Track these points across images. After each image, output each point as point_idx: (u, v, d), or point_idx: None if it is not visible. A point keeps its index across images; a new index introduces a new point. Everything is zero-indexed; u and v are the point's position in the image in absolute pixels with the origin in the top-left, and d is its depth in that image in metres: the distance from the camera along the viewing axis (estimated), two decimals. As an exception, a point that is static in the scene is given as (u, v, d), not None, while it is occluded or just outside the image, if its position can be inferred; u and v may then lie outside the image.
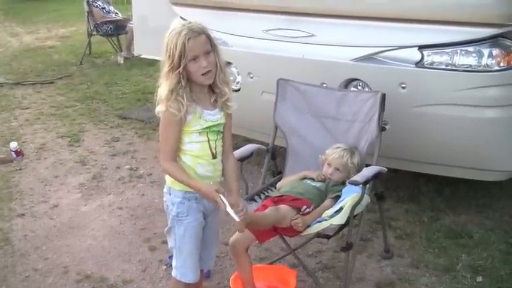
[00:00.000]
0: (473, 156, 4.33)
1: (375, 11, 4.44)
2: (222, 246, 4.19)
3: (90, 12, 11.41)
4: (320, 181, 3.86)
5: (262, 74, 4.97)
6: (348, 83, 4.55)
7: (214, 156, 3.06)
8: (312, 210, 3.60)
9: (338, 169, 3.87)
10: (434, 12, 4.20)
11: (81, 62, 11.15)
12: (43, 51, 12.57)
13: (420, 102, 4.26)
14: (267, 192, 4.03)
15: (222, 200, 2.90)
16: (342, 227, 3.54)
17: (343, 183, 3.80)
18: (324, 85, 4.49)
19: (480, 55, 4.09)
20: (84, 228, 4.83)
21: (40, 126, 7.44)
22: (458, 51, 4.14)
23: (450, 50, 4.16)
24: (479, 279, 3.94)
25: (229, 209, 2.90)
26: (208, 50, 2.92)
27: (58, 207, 5.20)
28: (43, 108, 8.30)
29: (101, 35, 11.67)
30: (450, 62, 4.17)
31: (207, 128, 3.00)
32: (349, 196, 3.54)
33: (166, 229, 3.22)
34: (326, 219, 3.48)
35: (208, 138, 3.03)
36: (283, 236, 3.73)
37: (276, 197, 3.72)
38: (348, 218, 3.46)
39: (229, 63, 5.12)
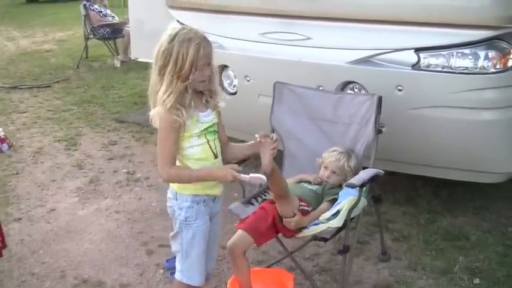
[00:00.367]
0: (470, 158, 4.33)
1: (371, 14, 4.44)
2: (220, 249, 4.19)
3: (86, 16, 11.42)
4: (317, 184, 3.86)
5: (259, 77, 4.97)
6: (345, 85, 4.55)
7: (216, 156, 3.09)
8: (311, 211, 3.60)
9: (335, 172, 3.88)
10: (430, 14, 4.20)
11: (78, 66, 11.15)
12: (40, 55, 12.57)
13: (417, 105, 4.26)
14: (264, 195, 4.01)
15: (241, 178, 2.94)
16: (339, 229, 3.54)
17: (340, 186, 3.80)
18: (321, 88, 4.49)
19: (476, 57, 4.09)
20: (82, 232, 4.82)
21: (37, 130, 7.43)
22: (455, 53, 4.15)
23: (446, 52, 4.17)
24: (477, 281, 3.94)
25: (252, 175, 2.95)
26: (210, 61, 2.95)
27: (55, 211, 5.20)
28: (40, 112, 8.30)
29: (97, 38, 11.68)
30: (446, 64, 4.17)
31: (204, 130, 3.02)
32: (346, 199, 3.53)
33: (172, 234, 3.21)
34: (323, 222, 3.48)
35: (207, 139, 3.04)
36: (281, 239, 3.73)
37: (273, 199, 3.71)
38: (345, 221, 3.46)
39: (225, 67, 5.14)
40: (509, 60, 4.09)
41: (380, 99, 3.90)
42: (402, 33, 4.35)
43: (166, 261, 4.26)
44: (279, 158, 4.44)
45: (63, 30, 15.77)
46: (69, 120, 7.86)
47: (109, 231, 4.82)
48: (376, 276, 4.07)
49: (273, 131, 4.25)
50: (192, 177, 3.00)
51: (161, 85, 2.91)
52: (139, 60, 9.79)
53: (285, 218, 3.47)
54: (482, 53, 4.07)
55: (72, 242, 4.67)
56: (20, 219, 5.05)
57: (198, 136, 3.01)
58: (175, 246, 3.22)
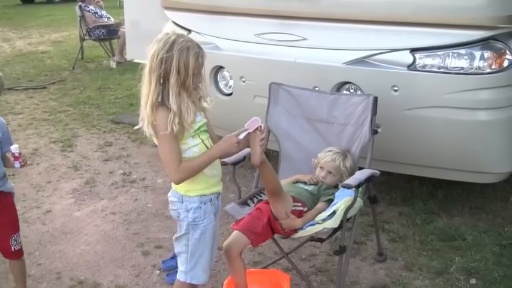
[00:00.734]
0: (466, 158, 4.33)
1: (366, 15, 4.44)
2: (216, 250, 4.19)
3: (82, 17, 11.40)
4: (312, 184, 3.86)
5: (255, 78, 4.97)
6: (340, 86, 4.55)
7: None
8: (306, 211, 3.60)
9: (331, 172, 3.88)
10: (426, 15, 4.21)
11: (73, 67, 11.14)
12: (35, 56, 12.54)
13: (412, 105, 4.27)
14: (260, 196, 4.02)
15: (242, 136, 3.05)
16: (335, 230, 3.54)
17: (336, 187, 3.80)
18: (316, 89, 4.49)
19: (472, 57, 4.10)
20: (77, 234, 4.81)
21: (33, 132, 7.42)
22: (450, 53, 4.16)
23: (442, 52, 4.17)
24: (473, 281, 3.94)
25: (247, 124, 3.07)
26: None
27: (51, 213, 5.19)
28: (36, 113, 8.28)
29: (93, 39, 11.68)
30: (442, 64, 4.18)
31: (197, 129, 3.04)
32: (342, 199, 3.54)
33: (176, 236, 3.20)
34: (319, 223, 3.48)
35: (201, 139, 3.07)
36: (277, 240, 3.73)
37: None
38: (341, 222, 3.46)
39: (221, 67, 5.14)
40: (505, 60, 4.09)
41: (376, 99, 3.91)
42: (398, 33, 4.35)
43: (163, 262, 4.26)
44: (275, 158, 4.46)
45: (58, 32, 15.76)
46: (65, 121, 7.85)
47: (105, 233, 4.81)
48: (373, 277, 4.07)
49: (269, 132, 4.25)
50: (203, 161, 3.02)
51: (161, 95, 2.92)
52: (135, 61, 9.76)
53: (278, 219, 3.48)
54: (477, 53, 4.08)
55: (68, 244, 4.66)
56: (15, 220, 5.04)
57: (193, 137, 3.03)
58: (179, 248, 3.21)
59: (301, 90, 4.32)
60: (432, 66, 4.20)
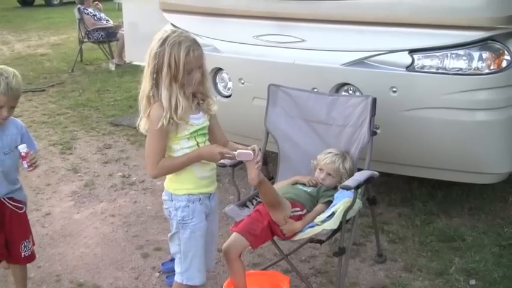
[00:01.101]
0: (465, 159, 4.33)
1: (365, 16, 4.44)
2: (215, 252, 4.19)
3: (81, 20, 11.40)
4: (312, 186, 3.86)
5: (253, 80, 4.97)
6: (339, 87, 4.55)
7: None
8: (305, 214, 3.60)
9: (330, 174, 3.88)
10: (424, 16, 4.21)
11: (72, 70, 11.15)
12: (34, 59, 12.55)
13: (411, 106, 4.27)
14: (259, 198, 4.02)
15: (228, 154, 3.03)
16: (334, 231, 3.54)
17: (335, 188, 3.80)
18: (315, 90, 4.49)
19: (470, 58, 4.10)
20: (77, 236, 4.81)
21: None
22: (449, 54, 4.16)
23: (440, 53, 4.17)
24: (473, 282, 3.94)
25: (239, 151, 3.03)
26: (201, 64, 2.99)
27: (50, 216, 5.19)
28: (35, 116, 8.28)
29: (92, 42, 11.68)
30: (441, 65, 4.18)
31: (194, 132, 3.04)
32: (341, 201, 3.54)
33: (169, 235, 3.22)
34: (318, 224, 3.48)
35: (197, 141, 3.07)
36: (276, 242, 3.73)
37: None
38: (340, 223, 3.46)
39: (220, 69, 5.14)
40: (503, 60, 4.09)
41: (374, 100, 3.90)
42: (396, 34, 4.35)
43: (162, 264, 4.26)
44: (274, 160, 4.46)
45: (57, 34, 15.77)
46: (64, 124, 7.85)
47: (104, 235, 4.81)
48: (372, 278, 4.07)
49: (267, 133, 4.25)
50: (181, 162, 3.04)
51: (154, 88, 2.95)
52: (134, 63, 9.79)
53: (278, 225, 3.48)
54: (476, 54, 4.08)
55: (67, 246, 4.66)
56: (15, 223, 5.04)
57: (188, 138, 3.04)
58: (173, 248, 3.23)
59: (300, 91, 4.32)
60: (431, 67, 4.20)
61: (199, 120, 3.06)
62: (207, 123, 3.11)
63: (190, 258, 3.16)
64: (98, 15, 11.65)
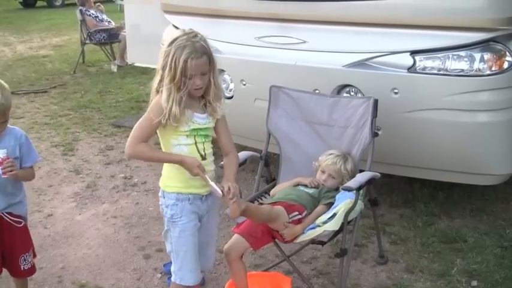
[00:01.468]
0: (466, 160, 4.33)
1: (366, 17, 4.45)
2: (217, 253, 4.19)
3: (83, 21, 11.40)
4: (313, 187, 3.86)
5: (255, 81, 4.98)
6: (341, 89, 4.56)
7: (203, 158, 3.12)
8: (305, 216, 3.60)
9: (332, 175, 3.88)
10: (426, 17, 4.21)
11: (74, 71, 11.14)
12: (36, 60, 12.55)
13: (413, 108, 4.27)
14: (261, 199, 4.03)
15: (203, 176, 3.01)
16: (336, 233, 3.54)
17: (337, 190, 3.81)
18: (317, 91, 4.49)
19: (472, 59, 4.11)
20: (79, 237, 4.82)
21: (34, 136, 7.41)
22: (450, 56, 4.16)
23: (442, 55, 4.18)
24: (474, 283, 3.94)
25: (212, 185, 3.03)
26: (205, 71, 3.01)
27: (52, 217, 5.19)
28: (37, 117, 8.28)
29: (94, 43, 11.69)
30: (442, 66, 4.19)
31: (194, 130, 3.07)
32: (343, 202, 3.54)
33: (163, 233, 3.26)
34: (320, 226, 3.48)
35: (195, 140, 3.09)
36: (278, 243, 3.74)
37: (269, 203, 3.71)
38: (342, 224, 3.46)
39: (222, 71, 5.14)
40: (505, 62, 4.10)
41: (376, 102, 3.91)
42: (398, 36, 4.36)
43: (164, 265, 4.26)
44: (276, 161, 4.46)
45: (59, 36, 15.78)
46: (66, 125, 7.85)
47: (106, 236, 4.81)
48: (374, 279, 4.07)
49: (269, 135, 4.26)
50: (158, 157, 3.14)
51: (160, 84, 3.01)
52: (135, 65, 9.80)
53: (278, 230, 3.48)
54: (477, 55, 4.09)
55: (69, 247, 4.67)
56: (17, 224, 5.04)
57: (187, 136, 3.07)
58: (168, 247, 3.27)
59: (302, 93, 4.32)
60: (432, 68, 4.21)
61: (202, 120, 3.09)
62: (210, 125, 3.14)
63: (182, 258, 3.18)
64: (100, 17, 11.66)
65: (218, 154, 3.28)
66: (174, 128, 3.03)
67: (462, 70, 4.13)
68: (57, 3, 24.43)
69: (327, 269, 4.19)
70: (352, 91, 4.52)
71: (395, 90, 4.28)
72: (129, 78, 10.33)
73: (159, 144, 3.17)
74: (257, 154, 4.14)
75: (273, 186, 4.15)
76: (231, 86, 5.19)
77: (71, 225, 5.03)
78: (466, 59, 4.12)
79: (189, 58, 2.91)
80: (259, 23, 4.99)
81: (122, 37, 10.83)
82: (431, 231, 4.60)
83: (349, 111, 4.09)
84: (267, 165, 4.23)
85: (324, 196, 3.77)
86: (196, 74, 2.95)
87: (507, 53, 4.10)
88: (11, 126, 3.43)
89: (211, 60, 3.03)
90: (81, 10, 11.37)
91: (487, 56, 4.09)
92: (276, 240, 3.65)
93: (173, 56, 2.92)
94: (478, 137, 4.22)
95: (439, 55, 4.18)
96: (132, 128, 3.08)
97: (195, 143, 3.08)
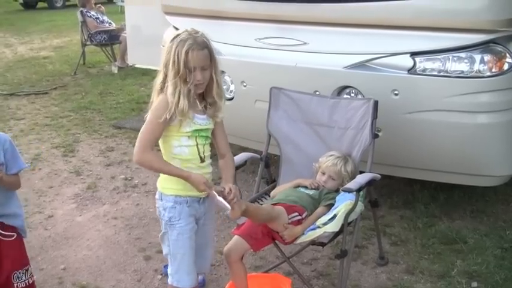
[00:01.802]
0: (467, 161, 4.34)
1: (367, 19, 4.45)
2: (217, 254, 4.21)
3: (84, 22, 11.41)
4: (313, 189, 3.86)
5: (255, 83, 4.98)
6: (341, 90, 4.56)
7: (202, 160, 3.14)
8: (305, 217, 3.60)
9: (332, 177, 3.88)
10: (426, 19, 4.22)
11: (75, 72, 11.15)
12: (37, 61, 12.56)
13: (413, 109, 4.27)
14: (261, 200, 4.04)
15: (211, 192, 3.03)
16: (336, 234, 3.54)
17: (337, 191, 3.81)
18: (317, 93, 4.50)
19: (472, 61, 4.11)
20: (79, 239, 4.82)
21: (35, 137, 7.43)
22: (450, 57, 4.16)
23: (442, 56, 4.18)
24: (475, 284, 3.95)
25: (219, 199, 3.02)
26: (205, 65, 3.01)
27: (53, 218, 5.19)
28: (37, 118, 8.29)
29: (94, 44, 11.69)
30: (442, 68, 4.19)
31: (196, 131, 3.08)
32: (343, 203, 3.54)
33: (160, 235, 3.27)
34: (320, 227, 3.48)
35: (196, 142, 3.10)
36: (278, 244, 3.74)
37: (270, 204, 3.72)
38: (342, 226, 3.47)
39: (222, 72, 5.14)
40: (505, 63, 4.10)
41: (376, 103, 3.91)
42: (398, 37, 4.36)
43: (164, 267, 4.25)
44: (276, 162, 4.46)
45: (60, 37, 15.80)
46: (66, 126, 7.86)
47: (107, 238, 4.82)
48: (374, 281, 4.07)
49: (269, 136, 4.26)
50: (169, 171, 3.08)
51: (163, 82, 3.02)
52: (136, 66, 9.80)
53: (278, 232, 3.49)
54: (477, 57, 4.09)
55: (70, 249, 4.67)
56: (17, 226, 5.04)
57: (189, 137, 3.08)
58: (164, 249, 3.28)
59: (302, 94, 4.32)
60: (432, 69, 4.21)
61: (203, 121, 3.10)
62: (210, 126, 3.15)
63: (179, 260, 3.19)
64: (101, 18, 11.66)
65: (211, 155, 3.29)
66: (176, 129, 3.04)
67: (462, 71, 4.13)
68: (58, 5, 24.47)
69: (327, 270, 4.19)
70: (353, 92, 4.52)
71: (396, 92, 4.28)
72: (130, 80, 10.34)
73: (157, 146, 3.16)
74: (257, 155, 4.15)
75: (273, 188, 4.15)
76: (232, 87, 5.19)
77: (72, 227, 5.03)
78: (466, 61, 4.12)
79: (190, 49, 2.93)
80: (260, 25, 5.00)
81: (123, 38, 10.83)
82: (431, 233, 4.60)
83: (349, 113, 4.10)
84: (267, 167, 4.24)
85: (324, 197, 3.77)
86: (197, 68, 2.96)
87: (507, 55, 4.10)
88: None
89: (212, 56, 3.03)
90: (81, 11, 11.38)
91: (487, 57, 4.09)
92: (276, 241, 3.65)
93: (175, 49, 2.94)
94: (478, 138, 4.22)
95: (439, 56, 4.19)
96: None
97: (196, 144, 3.10)
